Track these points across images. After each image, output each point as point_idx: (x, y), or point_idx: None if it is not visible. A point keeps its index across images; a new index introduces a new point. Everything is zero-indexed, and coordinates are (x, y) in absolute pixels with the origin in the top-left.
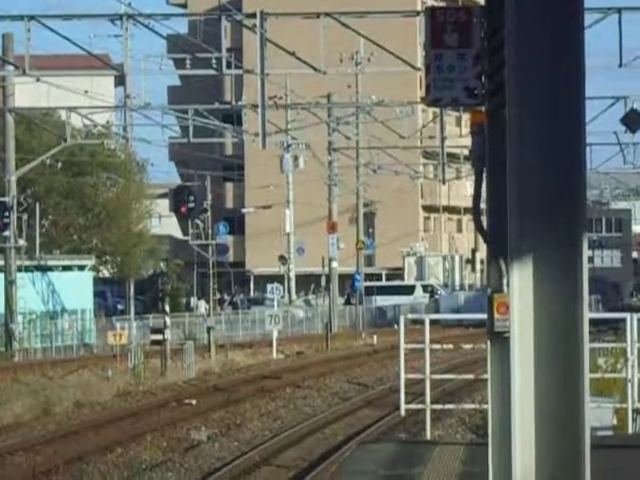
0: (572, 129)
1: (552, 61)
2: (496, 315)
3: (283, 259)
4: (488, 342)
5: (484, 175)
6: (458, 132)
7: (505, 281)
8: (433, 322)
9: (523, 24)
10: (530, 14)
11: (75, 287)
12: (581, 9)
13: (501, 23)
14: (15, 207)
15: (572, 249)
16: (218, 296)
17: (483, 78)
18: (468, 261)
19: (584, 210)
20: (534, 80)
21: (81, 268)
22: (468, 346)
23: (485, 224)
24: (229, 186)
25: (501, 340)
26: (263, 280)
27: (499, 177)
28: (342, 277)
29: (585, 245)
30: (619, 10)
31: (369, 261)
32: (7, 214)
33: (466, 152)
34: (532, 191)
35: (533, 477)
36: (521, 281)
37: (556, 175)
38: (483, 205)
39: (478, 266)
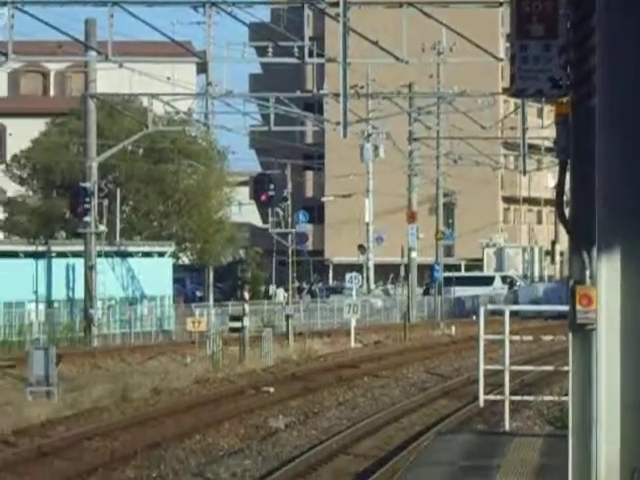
0: None
1: None
2: (578, 307)
3: (362, 248)
4: (570, 334)
5: (568, 166)
6: (539, 123)
7: (588, 273)
8: (512, 313)
9: (612, 15)
10: (619, 4)
11: (154, 273)
12: None
13: (588, 13)
14: (96, 193)
15: None
16: (297, 284)
17: (568, 69)
18: (547, 253)
19: None
20: (623, 69)
21: (161, 255)
22: (548, 338)
23: (568, 215)
24: (309, 175)
25: (583, 332)
26: (342, 269)
27: (583, 168)
28: (421, 267)
29: None
30: None
31: (448, 251)
32: (88, 200)
33: (547, 143)
34: (620, 182)
35: (617, 470)
36: (609, 273)
37: None
38: (566, 197)
39: (558, 258)
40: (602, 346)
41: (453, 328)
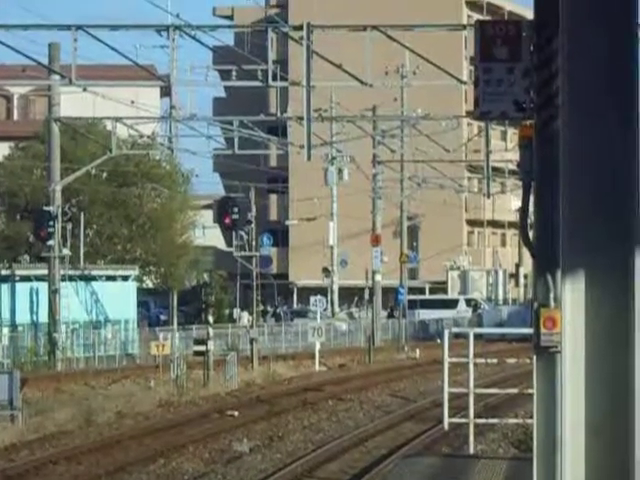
0: (627, 141)
1: (605, 72)
2: (543, 330)
3: (326, 271)
4: (534, 356)
5: (532, 189)
6: (503, 146)
7: (552, 295)
8: (476, 336)
9: (576, 36)
10: (583, 26)
11: (118, 297)
12: (635, 20)
13: (550, 36)
14: (60, 216)
15: (624, 263)
16: (261, 308)
17: (531, 92)
18: (512, 275)
19: (637, 224)
20: (587, 91)
21: (125, 278)
22: (512, 360)
23: (532, 238)
24: (273, 198)
25: (547, 354)
26: (306, 292)
27: (547, 191)
28: (385, 290)
29: (638, 258)
30: None
31: (413, 274)
32: (52, 223)
33: (511, 166)
34: (584, 205)
35: None
36: (573, 295)
37: (609, 188)
38: (530, 219)
39: (522, 280)
40: (566, 368)
41: (417, 351)
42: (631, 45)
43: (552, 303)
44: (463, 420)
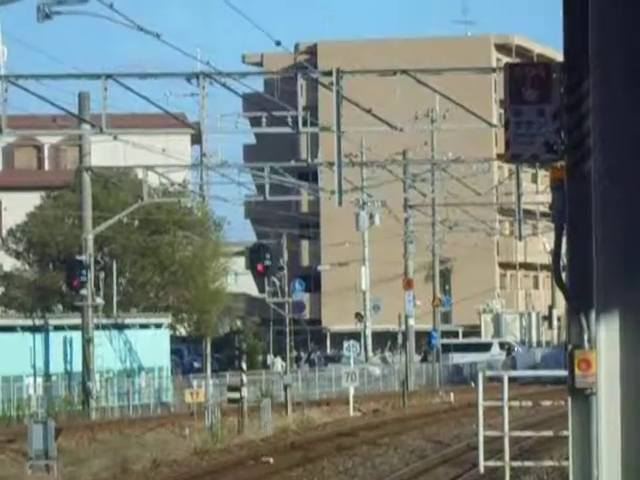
0: None
1: (636, 111)
2: (577, 371)
3: (359, 316)
4: (569, 398)
5: (564, 231)
6: (534, 188)
7: (586, 337)
8: (510, 379)
9: (606, 77)
10: (613, 66)
11: (152, 345)
12: None
13: (581, 78)
14: (92, 265)
15: None
16: (295, 353)
17: (562, 133)
18: (545, 318)
19: None
20: (617, 133)
21: (158, 326)
22: (547, 403)
23: (565, 280)
24: (305, 244)
25: (582, 396)
26: (339, 337)
27: (579, 232)
28: (419, 334)
29: None
30: None
31: (445, 318)
32: (84, 272)
33: (542, 208)
34: (617, 246)
35: None
36: (607, 336)
37: None
38: (563, 261)
39: (555, 323)
40: (602, 410)
41: (452, 395)
42: None
43: (586, 345)
44: (499, 463)
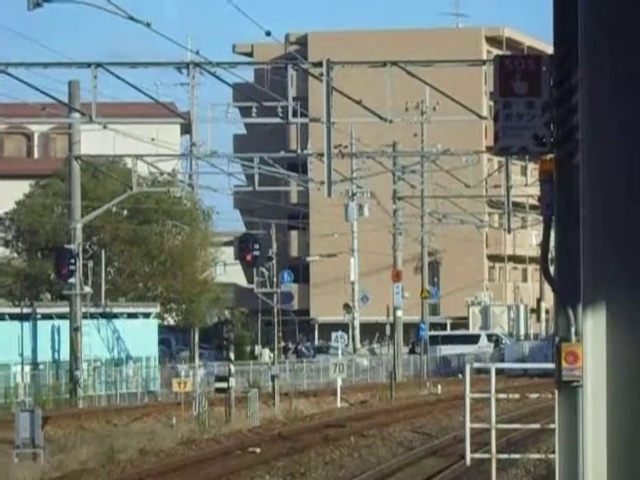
0: None
1: (624, 106)
2: (564, 364)
3: (348, 307)
4: (556, 391)
5: (552, 223)
6: (523, 181)
7: (573, 330)
8: (498, 372)
9: (596, 70)
10: (603, 60)
11: (140, 334)
12: None
13: (570, 71)
14: (81, 254)
15: None
16: (283, 344)
17: (552, 126)
18: (533, 311)
19: None
20: (606, 125)
21: (146, 316)
22: (534, 395)
23: (553, 273)
24: (294, 234)
25: (569, 389)
26: (327, 328)
27: (568, 225)
28: (407, 326)
29: None
30: None
31: (434, 310)
32: (73, 261)
33: (531, 201)
34: (606, 238)
35: None
36: (594, 329)
37: (631, 222)
38: (551, 254)
39: (543, 315)
40: (588, 403)
41: (439, 387)
42: None
43: (573, 338)
44: (485, 455)
